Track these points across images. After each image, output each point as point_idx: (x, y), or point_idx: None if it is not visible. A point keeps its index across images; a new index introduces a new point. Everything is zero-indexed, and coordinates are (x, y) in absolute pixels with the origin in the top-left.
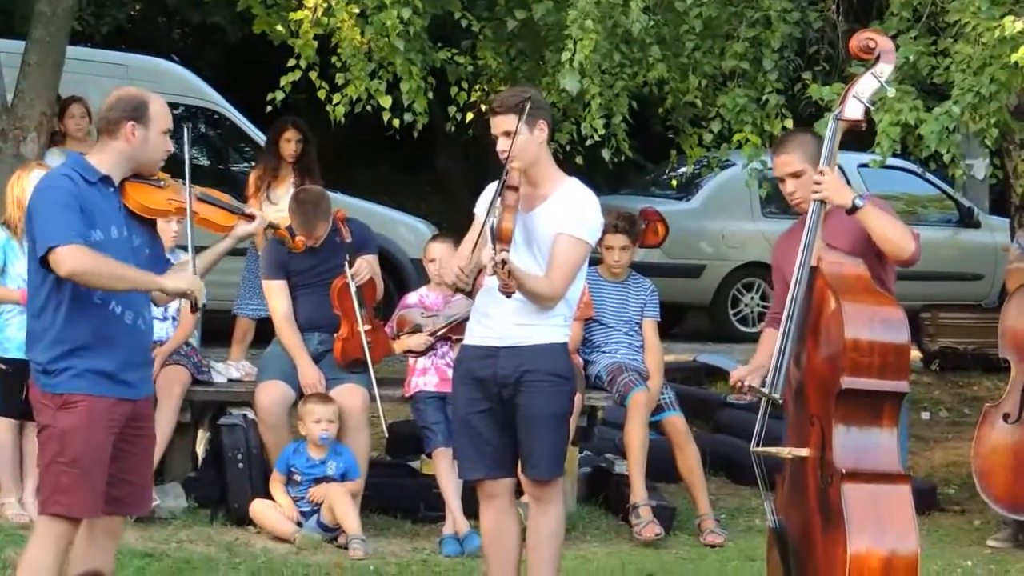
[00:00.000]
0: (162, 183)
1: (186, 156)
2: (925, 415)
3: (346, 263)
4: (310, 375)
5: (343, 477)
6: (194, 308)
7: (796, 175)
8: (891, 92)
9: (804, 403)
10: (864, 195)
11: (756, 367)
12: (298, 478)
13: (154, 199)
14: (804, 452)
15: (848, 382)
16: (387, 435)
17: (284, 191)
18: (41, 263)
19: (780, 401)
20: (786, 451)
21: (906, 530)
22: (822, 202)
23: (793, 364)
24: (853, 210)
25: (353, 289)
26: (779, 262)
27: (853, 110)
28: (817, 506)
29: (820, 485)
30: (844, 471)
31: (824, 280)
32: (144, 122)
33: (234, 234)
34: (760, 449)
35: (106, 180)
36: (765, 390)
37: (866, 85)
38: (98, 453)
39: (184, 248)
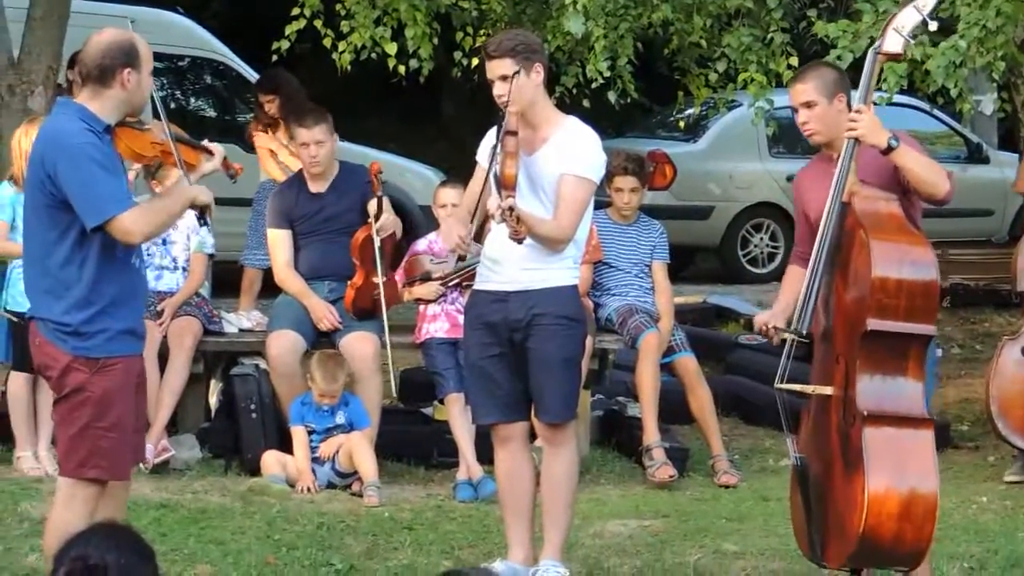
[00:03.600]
0: (144, 126)
1: (156, 97)
2: (938, 352)
3: (372, 216)
4: (319, 309)
5: (351, 426)
6: (204, 214)
7: (808, 105)
8: (933, 26)
9: (831, 341)
10: (898, 134)
11: (780, 310)
12: (311, 428)
13: (141, 144)
14: (828, 390)
15: (874, 324)
16: (396, 395)
17: (283, 134)
18: (95, 230)
19: (807, 338)
20: (810, 388)
21: (926, 473)
22: (856, 140)
23: (822, 301)
24: (888, 151)
25: (377, 244)
26: (801, 198)
27: (893, 43)
28: (839, 445)
29: (842, 424)
30: (866, 413)
31: (855, 217)
32: (137, 66)
33: (199, 171)
34: (784, 386)
35: (108, 129)
36: (792, 326)
37: (907, 18)
38: (133, 413)
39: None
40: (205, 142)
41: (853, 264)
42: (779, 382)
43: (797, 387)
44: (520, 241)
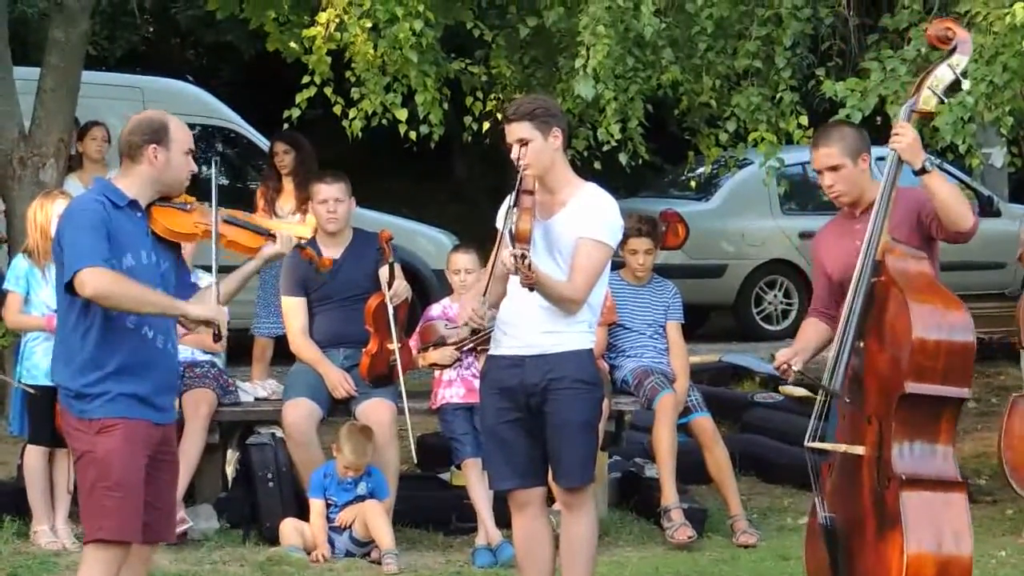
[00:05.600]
0: (188, 206)
1: (214, 180)
2: None
3: (385, 283)
4: (334, 376)
5: (372, 496)
6: (216, 337)
7: (835, 168)
8: (966, 85)
9: (861, 399)
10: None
11: (799, 349)
12: (331, 501)
13: (181, 223)
14: (860, 450)
15: (912, 387)
16: (415, 459)
17: (288, 203)
18: (67, 288)
19: (839, 395)
20: (843, 448)
21: (961, 536)
22: (899, 159)
23: (852, 356)
24: (921, 172)
25: (391, 310)
26: (820, 256)
27: (928, 101)
28: (872, 506)
29: (876, 486)
30: (904, 477)
31: (889, 275)
32: (166, 144)
33: (261, 255)
34: (815, 444)
35: (134, 204)
36: (823, 383)
37: (942, 76)
38: (138, 474)
39: (205, 268)
40: (273, 228)
41: (889, 324)
42: (809, 440)
43: (830, 446)
44: (531, 288)
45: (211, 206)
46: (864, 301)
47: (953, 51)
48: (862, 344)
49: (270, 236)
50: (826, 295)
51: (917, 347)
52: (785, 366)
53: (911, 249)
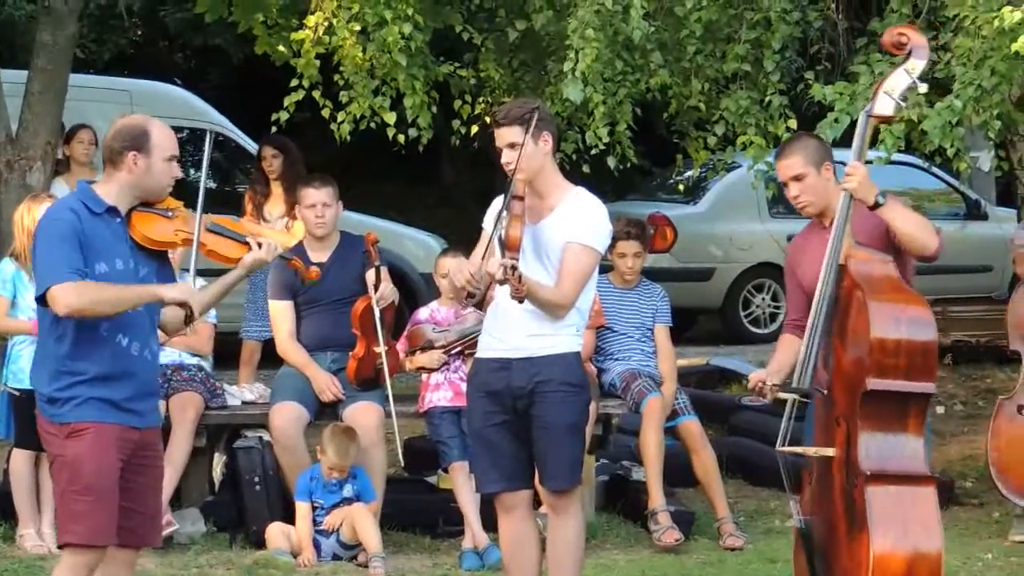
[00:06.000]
0: (171, 213)
1: (201, 187)
2: (940, 409)
3: (371, 286)
4: (321, 380)
5: (358, 498)
6: (187, 320)
7: (798, 178)
8: (923, 88)
9: (831, 402)
10: (886, 193)
11: (774, 370)
12: (317, 504)
13: (160, 231)
14: (830, 452)
15: (874, 383)
16: (403, 463)
17: (276, 207)
18: (40, 302)
19: (810, 391)
20: (812, 451)
21: (930, 531)
22: (851, 196)
23: (821, 362)
24: (875, 207)
25: (377, 313)
26: (792, 267)
27: (884, 106)
28: (842, 506)
29: (845, 486)
30: (868, 473)
31: (852, 279)
32: (146, 151)
33: (243, 264)
34: (786, 449)
35: (112, 211)
36: (792, 385)
37: (897, 81)
38: (110, 478)
39: (187, 271)
40: (259, 238)
41: (851, 325)
42: (780, 444)
43: (799, 449)
44: (521, 300)
45: (195, 213)
46: (830, 306)
47: (908, 56)
48: (829, 347)
49: (256, 245)
50: (803, 305)
51: (877, 345)
52: (760, 385)
53: (876, 252)
